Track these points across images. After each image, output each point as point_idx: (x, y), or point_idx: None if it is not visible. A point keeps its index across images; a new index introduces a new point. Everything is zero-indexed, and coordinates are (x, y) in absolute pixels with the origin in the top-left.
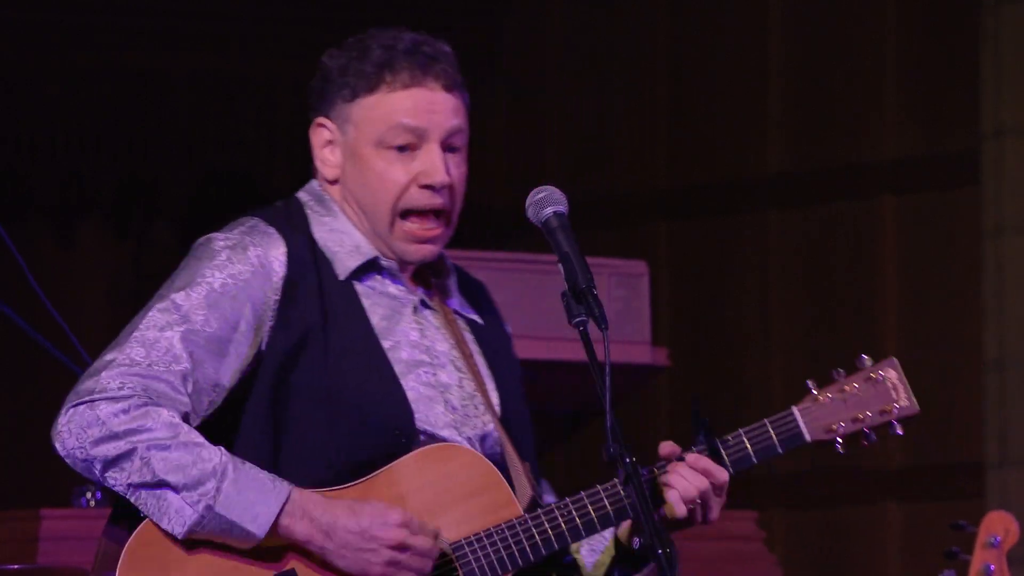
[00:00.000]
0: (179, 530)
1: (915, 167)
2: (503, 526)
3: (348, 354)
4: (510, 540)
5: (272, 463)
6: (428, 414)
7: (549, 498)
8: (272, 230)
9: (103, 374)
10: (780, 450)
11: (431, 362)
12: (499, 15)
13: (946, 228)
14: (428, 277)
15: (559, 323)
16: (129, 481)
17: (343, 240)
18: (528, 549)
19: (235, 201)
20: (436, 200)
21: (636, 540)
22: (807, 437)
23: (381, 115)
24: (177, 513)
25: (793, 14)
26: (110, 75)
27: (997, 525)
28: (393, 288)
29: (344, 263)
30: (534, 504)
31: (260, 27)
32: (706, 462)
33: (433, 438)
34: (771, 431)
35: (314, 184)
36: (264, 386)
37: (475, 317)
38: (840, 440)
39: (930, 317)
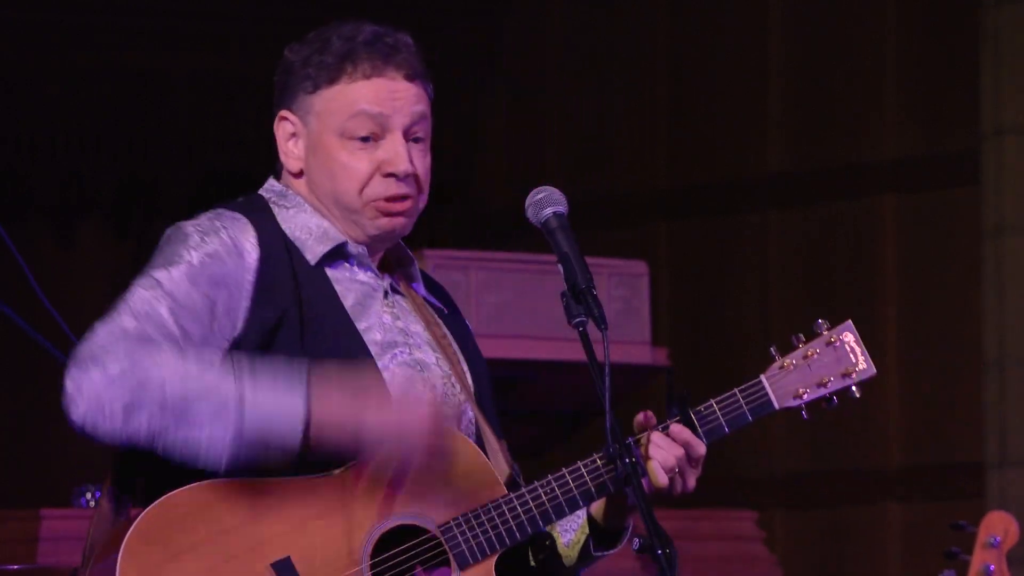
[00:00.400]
0: (218, 456)
1: (915, 167)
2: (489, 506)
3: (323, 336)
4: (497, 520)
5: None
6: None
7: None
8: (240, 215)
9: (98, 336)
10: (750, 418)
11: (407, 342)
12: (499, 15)
13: (946, 228)
14: (392, 266)
15: (559, 323)
16: (150, 426)
17: (310, 228)
18: (515, 528)
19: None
20: (401, 189)
21: (636, 541)
22: (775, 404)
23: (342, 105)
24: (209, 438)
25: (793, 14)
26: (110, 75)
27: (997, 525)
28: (362, 275)
29: (313, 249)
30: (514, 483)
31: (260, 27)
32: (687, 433)
33: None
34: (741, 400)
35: (273, 182)
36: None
37: (440, 306)
38: (805, 406)
39: (930, 317)
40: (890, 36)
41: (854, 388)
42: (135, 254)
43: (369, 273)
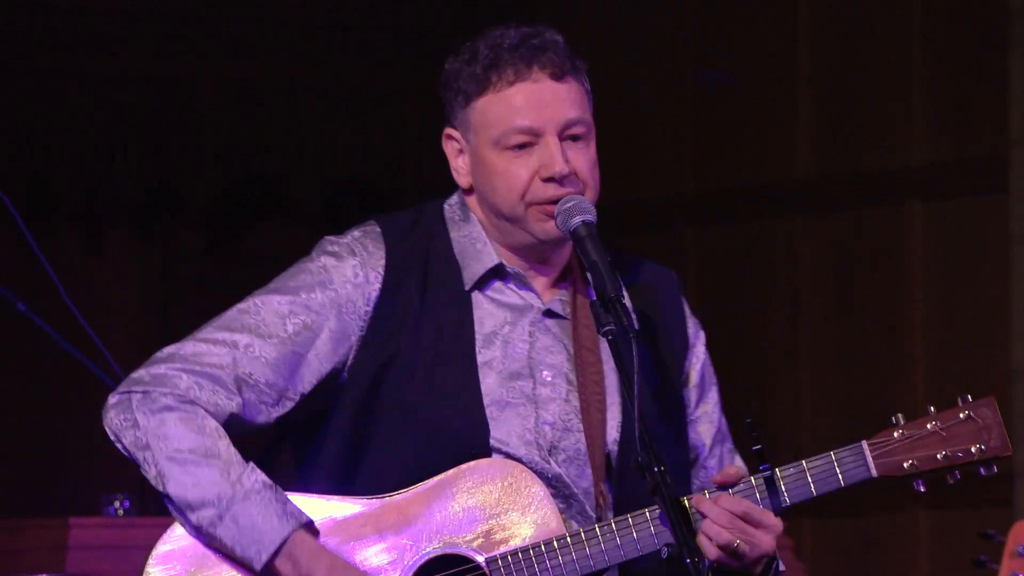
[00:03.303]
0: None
1: (943, 173)
2: (540, 544)
3: (437, 370)
4: (546, 559)
5: (351, 475)
6: (508, 432)
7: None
8: (380, 243)
9: (154, 368)
10: (843, 483)
11: (531, 375)
12: (528, 21)
13: (974, 234)
14: (575, 280)
15: None
16: (148, 475)
17: (474, 246)
18: (563, 566)
19: (262, 207)
20: (561, 191)
21: (664, 549)
22: (873, 472)
23: (494, 118)
24: (180, 515)
25: (821, 20)
26: (137, 82)
27: None
28: (515, 296)
29: (471, 270)
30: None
31: (286, 33)
32: (745, 505)
33: (508, 457)
34: (835, 464)
35: (457, 195)
36: (351, 398)
37: (631, 323)
38: (916, 478)
39: (957, 323)
40: (918, 42)
41: (983, 464)
42: (163, 260)
43: (527, 292)
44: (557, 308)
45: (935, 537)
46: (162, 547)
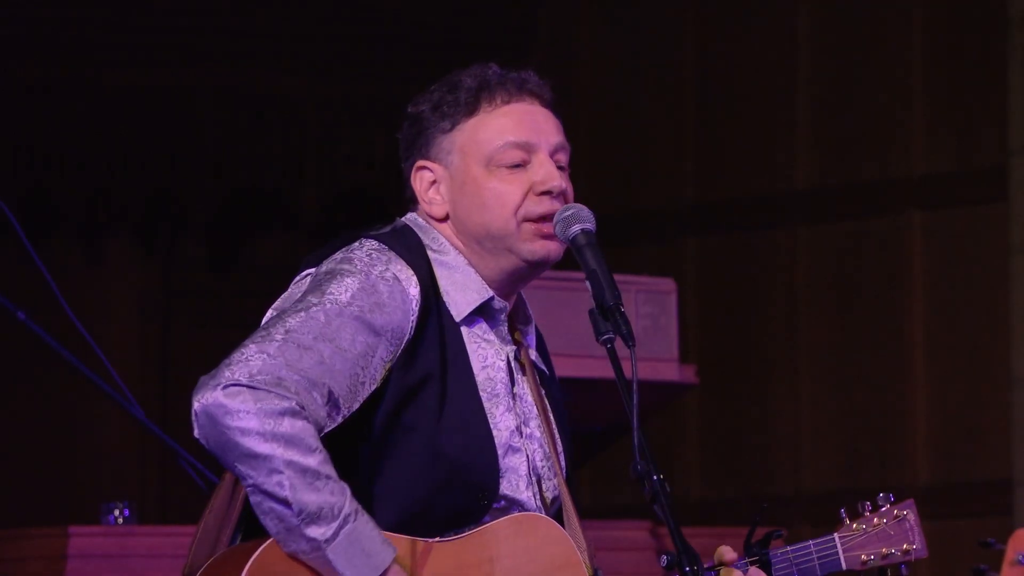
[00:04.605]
0: (277, 539)
1: (943, 183)
2: None
3: (458, 405)
4: None
5: (361, 493)
6: (513, 478)
7: None
8: (404, 263)
9: (263, 366)
10: (819, 573)
11: (521, 421)
12: (527, 33)
13: (974, 244)
14: (516, 324)
15: (586, 340)
16: (256, 482)
17: (456, 279)
18: None
19: (261, 218)
20: (555, 205)
21: (664, 557)
22: (843, 565)
23: (486, 136)
24: (286, 531)
25: (821, 30)
26: (137, 93)
27: None
28: (493, 336)
29: (459, 305)
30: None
31: (286, 45)
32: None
33: (512, 503)
34: (813, 553)
35: (416, 218)
36: (378, 418)
37: (542, 366)
38: (867, 571)
39: (958, 333)
40: (918, 53)
41: (903, 567)
42: (163, 269)
43: (499, 331)
44: (517, 352)
45: (935, 545)
46: (254, 568)
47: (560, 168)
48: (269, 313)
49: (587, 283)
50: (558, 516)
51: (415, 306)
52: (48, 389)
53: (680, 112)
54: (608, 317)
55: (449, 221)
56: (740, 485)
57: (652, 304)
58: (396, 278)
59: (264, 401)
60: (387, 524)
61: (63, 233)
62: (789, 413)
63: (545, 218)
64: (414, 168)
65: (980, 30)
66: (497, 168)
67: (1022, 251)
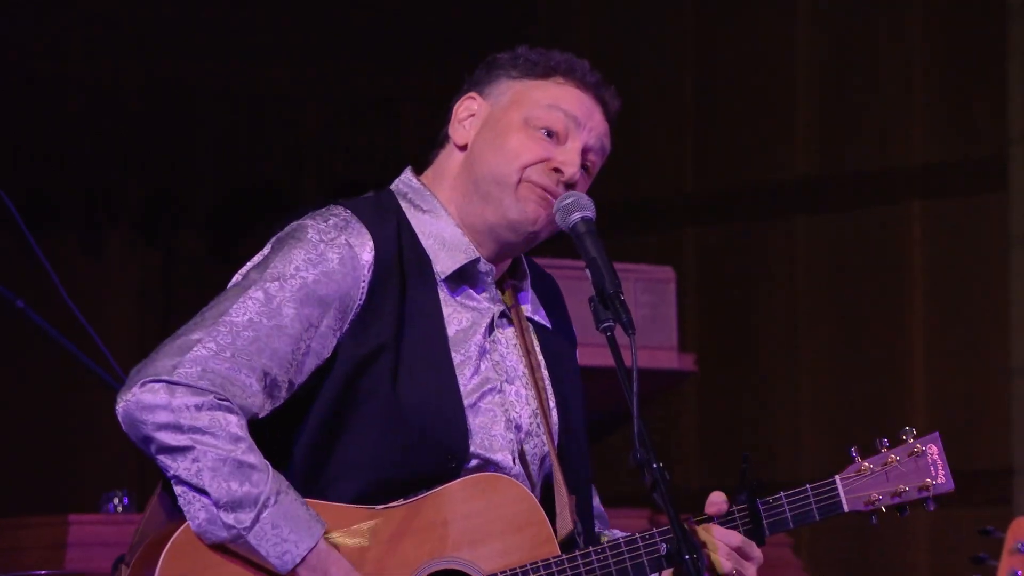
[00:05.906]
0: (198, 531)
1: (942, 173)
2: (539, 563)
3: (418, 369)
4: None
5: (322, 466)
6: (485, 438)
7: (603, 529)
8: (363, 228)
9: (188, 355)
10: (817, 517)
11: (499, 378)
12: (525, 22)
13: (973, 234)
14: (506, 280)
15: (586, 328)
16: (177, 473)
17: (444, 237)
18: None
19: (262, 213)
20: (559, 188)
21: (663, 546)
22: (845, 507)
23: (540, 96)
24: (207, 522)
25: (821, 20)
26: (137, 88)
27: None
28: (478, 298)
29: (444, 262)
30: (571, 541)
31: (285, 40)
32: (740, 539)
33: (486, 462)
34: (811, 498)
35: (410, 177)
36: (331, 389)
37: (545, 322)
38: (875, 513)
39: (957, 323)
40: (918, 42)
41: (931, 500)
42: (163, 264)
43: (485, 294)
44: (506, 310)
45: (934, 533)
46: (181, 537)
47: (585, 168)
48: (234, 279)
49: (587, 271)
50: (546, 490)
51: (367, 271)
52: (48, 378)
53: (680, 101)
54: (608, 305)
55: (462, 154)
56: (739, 473)
57: (651, 293)
58: (348, 243)
59: (181, 396)
60: (354, 494)
61: (63, 228)
62: (788, 401)
63: (546, 189)
64: (463, 96)
65: (980, 21)
66: (532, 128)
67: (1021, 241)
